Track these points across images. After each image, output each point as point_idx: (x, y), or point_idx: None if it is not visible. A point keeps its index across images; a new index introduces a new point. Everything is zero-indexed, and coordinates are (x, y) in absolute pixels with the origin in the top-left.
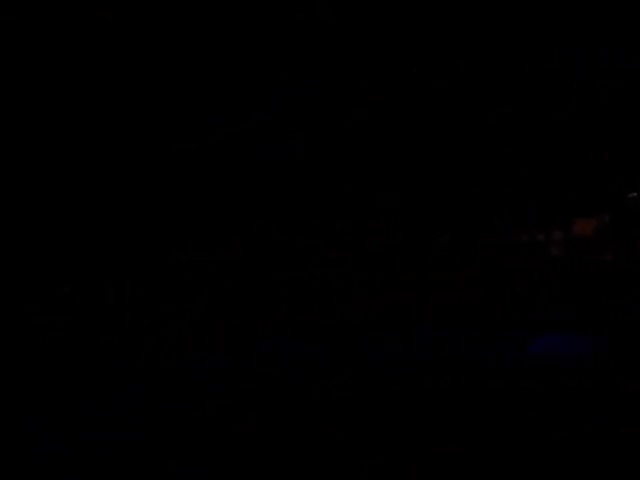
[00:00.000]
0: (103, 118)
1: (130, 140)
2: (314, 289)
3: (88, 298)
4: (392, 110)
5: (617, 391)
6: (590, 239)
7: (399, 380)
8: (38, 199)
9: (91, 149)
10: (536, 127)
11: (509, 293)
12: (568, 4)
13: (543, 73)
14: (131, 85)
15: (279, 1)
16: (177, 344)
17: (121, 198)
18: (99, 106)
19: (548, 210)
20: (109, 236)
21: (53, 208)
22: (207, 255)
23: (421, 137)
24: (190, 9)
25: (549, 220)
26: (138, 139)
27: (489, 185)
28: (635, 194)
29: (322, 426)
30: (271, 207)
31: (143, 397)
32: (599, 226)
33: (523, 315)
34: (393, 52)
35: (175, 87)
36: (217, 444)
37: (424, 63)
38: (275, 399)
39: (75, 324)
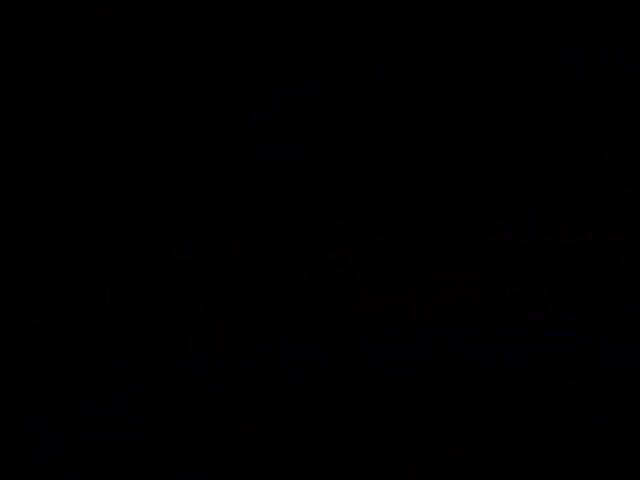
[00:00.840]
0: (103, 118)
1: (130, 140)
2: (314, 289)
3: (88, 298)
4: (392, 110)
5: (617, 391)
6: None
7: (399, 380)
8: (38, 199)
9: (91, 149)
10: (536, 127)
11: (509, 293)
12: (568, 4)
13: (543, 73)
14: (131, 85)
15: (279, 1)
16: (177, 344)
17: (121, 198)
18: (99, 106)
19: (548, 210)
20: (109, 236)
21: (53, 208)
22: (207, 255)
23: (421, 137)
24: (190, 9)
25: (549, 221)
26: (138, 139)
27: (489, 185)
28: None
29: (322, 426)
30: (271, 207)
31: (143, 397)
32: None
33: (523, 315)
34: (393, 52)
35: (175, 87)
36: (217, 444)
37: (424, 63)
38: (275, 399)
39: (75, 324)
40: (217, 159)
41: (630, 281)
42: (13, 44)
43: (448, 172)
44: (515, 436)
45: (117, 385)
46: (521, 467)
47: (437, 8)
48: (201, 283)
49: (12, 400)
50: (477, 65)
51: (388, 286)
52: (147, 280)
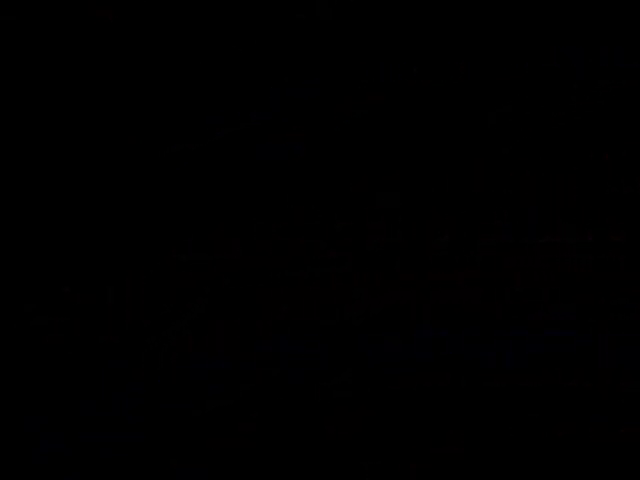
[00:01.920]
0: (103, 118)
1: (130, 140)
2: (314, 289)
3: (88, 298)
4: (392, 110)
5: (617, 391)
6: None
7: (399, 380)
8: (38, 199)
9: (91, 149)
10: (536, 127)
11: (509, 293)
12: (568, 4)
13: (543, 73)
14: (131, 85)
15: (279, 1)
16: (177, 344)
17: (121, 198)
18: (99, 106)
19: (548, 210)
20: (109, 236)
21: (53, 208)
22: (207, 255)
23: (421, 137)
24: (190, 9)
25: (549, 220)
26: (138, 139)
27: (489, 185)
28: None
29: (322, 426)
30: (271, 207)
31: (143, 397)
32: None
33: (523, 315)
34: (393, 52)
35: (175, 87)
36: (217, 444)
37: (424, 63)
38: (275, 399)
39: (75, 324)
40: (217, 159)
41: (630, 281)
42: (13, 44)
43: (448, 172)
44: (515, 436)
45: (117, 385)
46: (521, 467)
47: (437, 8)
48: (201, 283)
49: (12, 400)
50: (477, 65)
51: (388, 286)
52: (147, 280)
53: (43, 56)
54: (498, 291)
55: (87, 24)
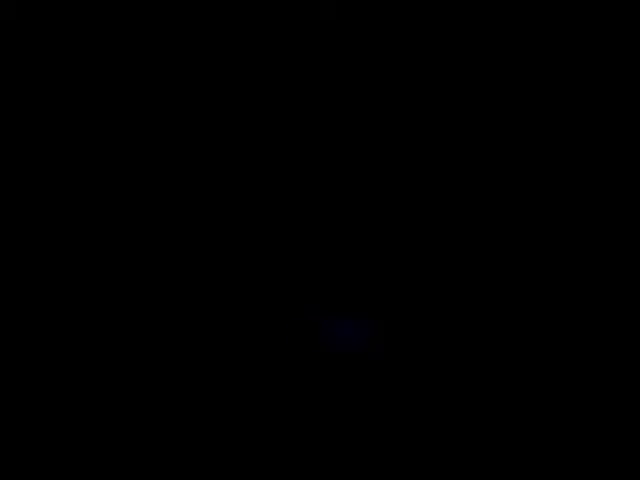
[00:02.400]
0: (103, 118)
1: (130, 140)
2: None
3: (88, 298)
4: (392, 110)
5: (617, 391)
6: None
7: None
8: (38, 198)
9: (91, 149)
10: (536, 127)
11: None
12: (568, 4)
13: (543, 73)
14: (131, 85)
15: (279, 1)
16: (177, 344)
17: (121, 198)
18: (99, 106)
19: (548, 210)
20: (109, 236)
21: (53, 207)
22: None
23: (421, 137)
24: (190, 9)
25: (549, 222)
26: (138, 139)
27: (489, 185)
28: None
29: (322, 426)
30: (271, 207)
31: (145, 396)
32: None
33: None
34: (393, 52)
35: (175, 87)
36: (217, 444)
37: (424, 63)
38: (275, 399)
39: (75, 324)
40: (217, 159)
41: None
42: (13, 44)
43: (448, 172)
44: (515, 436)
45: (117, 385)
46: (521, 467)
47: (437, 8)
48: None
49: (12, 400)
50: (477, 65)
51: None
52: (147, 280)
53: (43, 55)
54: None
55: (87, 24)
